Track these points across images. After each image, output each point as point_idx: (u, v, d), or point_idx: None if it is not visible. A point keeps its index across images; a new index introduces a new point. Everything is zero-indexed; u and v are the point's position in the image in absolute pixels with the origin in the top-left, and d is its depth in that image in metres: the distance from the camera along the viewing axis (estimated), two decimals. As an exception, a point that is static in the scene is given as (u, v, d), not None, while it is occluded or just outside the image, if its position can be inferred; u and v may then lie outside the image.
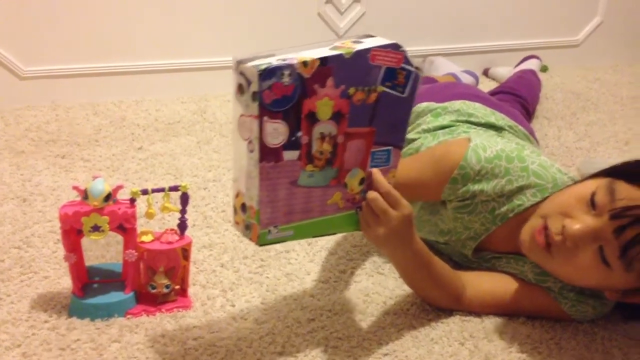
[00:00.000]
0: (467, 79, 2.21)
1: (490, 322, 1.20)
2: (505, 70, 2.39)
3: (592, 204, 1.05)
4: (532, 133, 1.60)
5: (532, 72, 2.22)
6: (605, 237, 1.03)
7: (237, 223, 1.01)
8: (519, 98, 1.97)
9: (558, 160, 1.85)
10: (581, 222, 1.05)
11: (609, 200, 1.03)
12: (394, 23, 2.40)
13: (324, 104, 0.93)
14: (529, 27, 2.60)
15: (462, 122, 1.45)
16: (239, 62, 0.90)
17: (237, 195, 0.99)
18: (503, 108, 1.60)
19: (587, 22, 2.72)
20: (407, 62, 0.96)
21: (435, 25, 2.46)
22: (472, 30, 2.50)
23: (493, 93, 2.01)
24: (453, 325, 1.19)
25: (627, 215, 1.01)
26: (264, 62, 0.88)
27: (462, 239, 1.28)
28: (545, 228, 1.08)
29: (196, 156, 1.78)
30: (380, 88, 0.96)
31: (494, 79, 2.44)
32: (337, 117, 0.95)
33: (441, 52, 2.43)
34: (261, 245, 0.98)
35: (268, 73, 0.87)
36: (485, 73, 2.49)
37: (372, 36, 0.97)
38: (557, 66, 2.42)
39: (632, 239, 1.01)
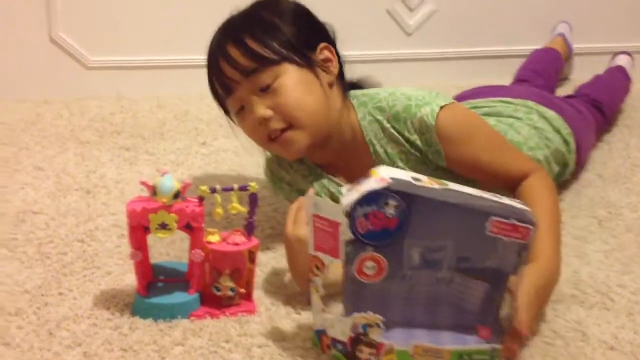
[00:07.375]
0: (565, 29, 2.36)
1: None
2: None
3: None
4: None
5: (615, 70, 2.11)
6: None
7: None
8: (595, 102, 1.89)
9: None
10: None
11: None
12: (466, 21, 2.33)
13: None
14: (614, 29, 2.48)
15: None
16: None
17: None
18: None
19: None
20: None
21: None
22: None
23: (566, 97, 1.93)
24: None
25: None
26: None
27: None
28: None
29: (259, 154, 1.73)
30: None
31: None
32: None
33: (520, 54, 2.32)
34: None
35: None
36: None
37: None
38: (640, 71, 2.29)
39: None
